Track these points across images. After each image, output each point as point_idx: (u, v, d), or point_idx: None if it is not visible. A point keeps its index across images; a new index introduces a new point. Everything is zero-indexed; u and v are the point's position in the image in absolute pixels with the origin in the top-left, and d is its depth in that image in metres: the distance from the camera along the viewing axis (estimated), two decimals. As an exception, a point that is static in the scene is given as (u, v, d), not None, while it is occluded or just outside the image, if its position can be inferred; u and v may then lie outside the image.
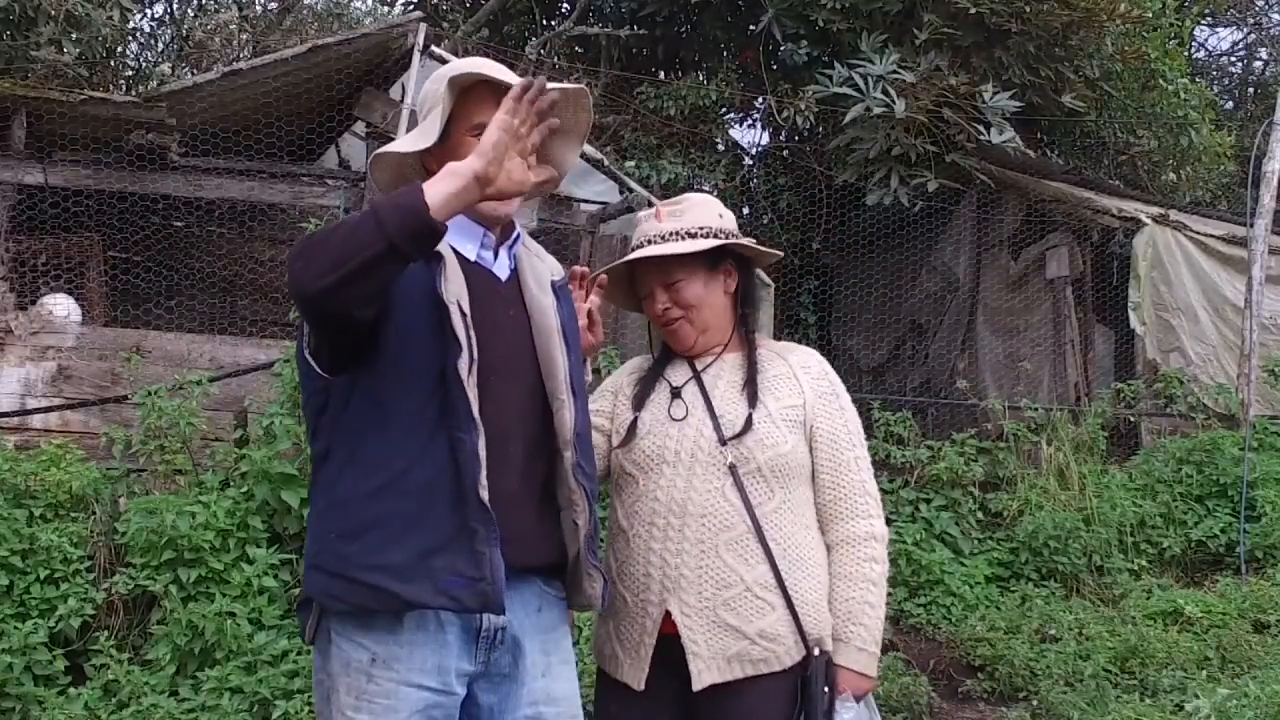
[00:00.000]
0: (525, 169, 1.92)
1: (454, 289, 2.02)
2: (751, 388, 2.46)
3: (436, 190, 1.84)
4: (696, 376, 2.52)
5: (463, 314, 2.00)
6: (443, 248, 2.02)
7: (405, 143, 2.14)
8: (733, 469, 2.39)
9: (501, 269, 2.17)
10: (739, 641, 2.34)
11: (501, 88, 2.08)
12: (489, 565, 1.95)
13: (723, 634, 2.35)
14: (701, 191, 10.44)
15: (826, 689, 2.36)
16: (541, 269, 2.22)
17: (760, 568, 2.36)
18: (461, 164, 1.86)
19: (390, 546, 1.96)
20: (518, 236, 2.21)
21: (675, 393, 2.49)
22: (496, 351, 2.07)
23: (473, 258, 2.14)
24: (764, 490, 2.39)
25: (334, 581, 2.01)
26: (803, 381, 2.49)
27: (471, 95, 2.11)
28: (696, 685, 2.34)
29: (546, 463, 2.12)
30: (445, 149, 2.11)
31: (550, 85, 2.14)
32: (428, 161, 2.15)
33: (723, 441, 2.40)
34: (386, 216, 1.82)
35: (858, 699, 2.37)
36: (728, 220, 2.57)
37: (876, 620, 2.40)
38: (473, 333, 2.01)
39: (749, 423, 2.40)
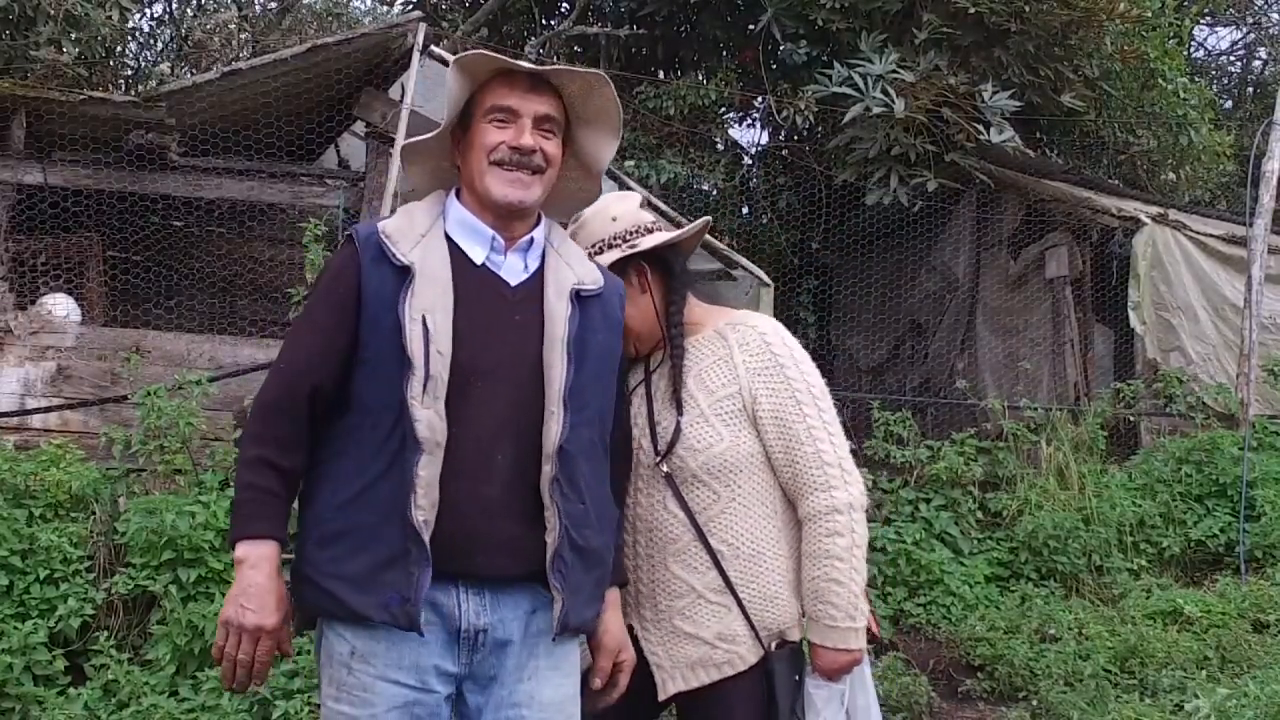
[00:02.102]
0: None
1: (424, 303, 2.02)
2: (675, 396, 2.40)
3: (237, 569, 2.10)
4: (647, 379, 2.48)
5: (425, 329, 1.99)
6: (424, 260, 2.04)
7: (426, 135, 2.19)
8: (669, 479, 2.36)
9: (512, 273, 2.13)
10: (699, 648, 2.33)
11: (515, 74, 2.11)
12: (414, 586, 1.98)
13: (682, 643, 2.35)
14: (703, 190, 10.49)
15: (798, 677, 2.34)
16: (565, 275, 2.15)
17: (709, 574, 2.34)
18: (231, 608, 2.06)
19: (350, 558, 2.03)
20: (532, 240, 2.16)
21: (626, 400, 2.45)
22: (490, 356, 2.05)
23: (479, 261, 2.12)
24: (706, 494, 2.36)
25: (303, 585, 2.10)
26: (738, 362, 2.39)
27: (489, 82, 2.12)
28: (662, 695, 2.36)
29: (538, 472, 2.08)
30: (467, 134, 2.14)
31: (566, 69, 2.14)
32: (455, 151, 2.18)
33: (657, 453, 2.38)
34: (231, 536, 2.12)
35: (834, 676, 2.34)
36: (624, 220, 2.46)
37: (847, 595, 2.31)
38: (435, 347, 1.99)
39: (676, 432, 2.36)
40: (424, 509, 1.97)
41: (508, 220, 2.13)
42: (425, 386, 1.98)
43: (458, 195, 2.19)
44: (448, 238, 2.12)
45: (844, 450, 2.39)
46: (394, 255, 2.06)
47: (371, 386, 2.04)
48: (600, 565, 2.16)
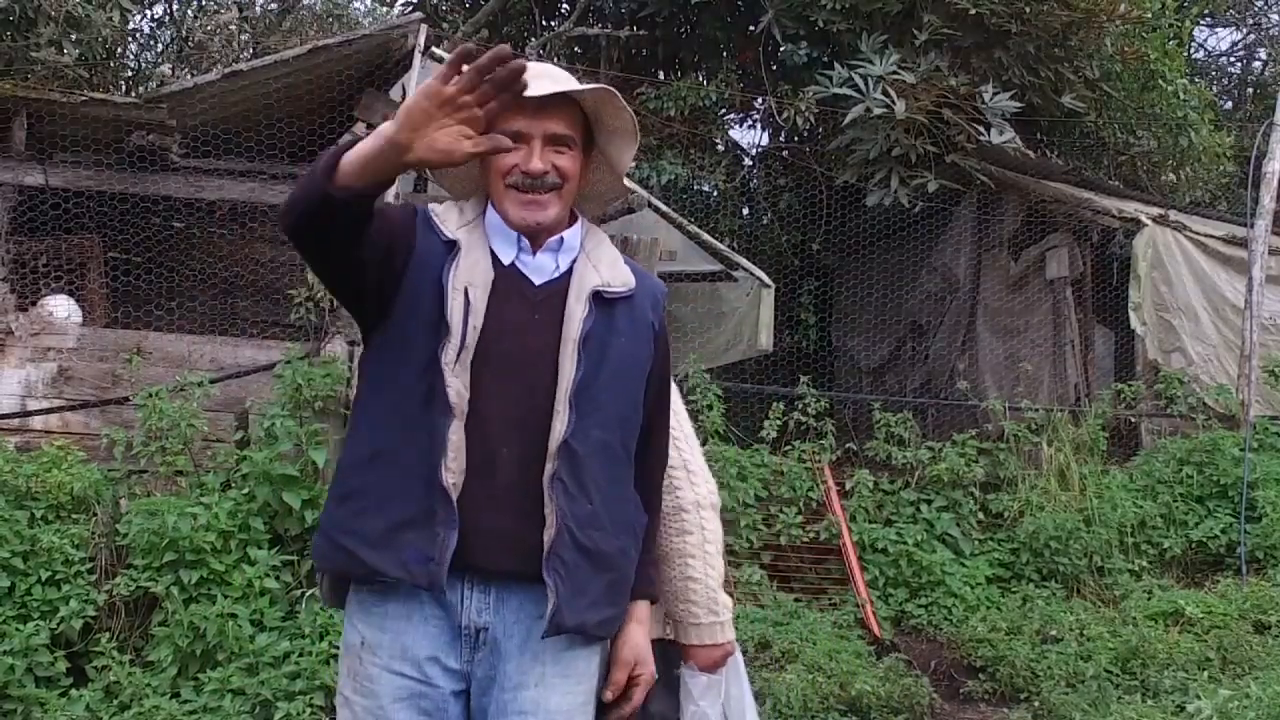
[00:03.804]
0: (457, 139, 1.82)
1: (465, 277, 2.06)
2: None
3: (356, 151, 1.87)
4: None
5: (466, 301, 2.03)
6: (468, 240, 2.08)
7: None
8: None
9: (538, 273, 2.14)
10: None
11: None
12: (439, 547, 1.99)
13: None
14: (703, 191, 10.49)
15: (657, 679, 2.35)
16: (589, 277, 2.15)
17: None
18: (384, 125, 1.86)
19: (368, 515, 2.04)
20: (562, 240, 2.16)
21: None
22: (502, 350, 2.06)
23: (507, 261, 2.13)
24: None
25: (324, 541, 2.11)
26: None
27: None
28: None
29: (542, 471, 2.07)
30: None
31: (574, 89, 2.11)
32: (480, 168, 2.18)
33: None
34: (311, 173, 1.89)
35: (710, 670, 2.39)
36: None
37: (704, 591, 2.36)
38: (471, 321, 2.03)
39: None
40: (453, 472, 2.00)
41: (533, 235, 2.15)
42: (459, 356, 2.02)
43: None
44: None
45: (691, 453, 2.44)
46: (440, 230, 2.11)
47: (400, 348, 2.07)
48: (614, 569, 2.13)
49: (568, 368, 2.08)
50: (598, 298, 2.13)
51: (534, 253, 2.14)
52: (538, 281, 2.13)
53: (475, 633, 2.06)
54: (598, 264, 2.18)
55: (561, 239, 2.16)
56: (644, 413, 2.20)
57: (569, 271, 2.15)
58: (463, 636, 2.06)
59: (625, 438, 2.16)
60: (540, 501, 2.05)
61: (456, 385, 2.01)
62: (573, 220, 2.21)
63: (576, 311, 2.11)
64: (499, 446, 2.04)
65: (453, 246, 2.08)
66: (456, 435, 2.00)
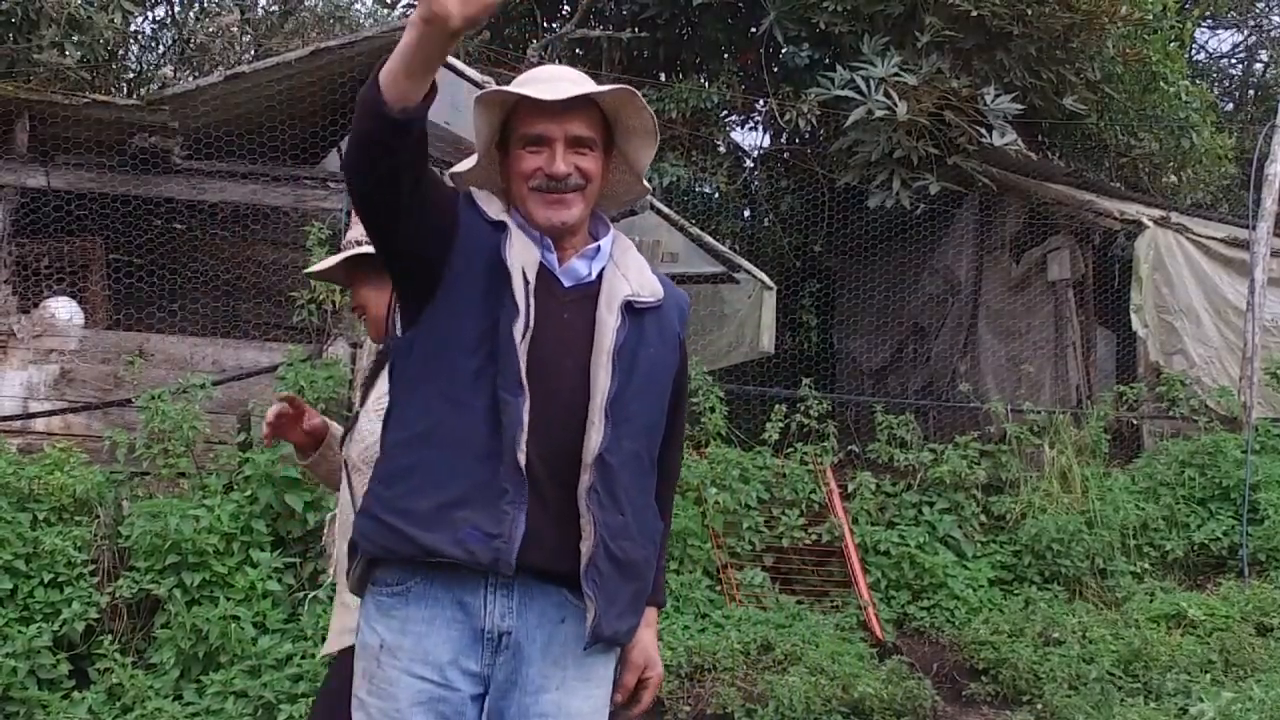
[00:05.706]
0: None
1: (520, 257, 2.04)
2: (365, 386, 2.64)
3: (392, 58, 1.87)
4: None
5: (526, 281, 2.02)
6: (511, 224, 2.08)
7: (467, 162, 2.19)
8: (345, 464, 2.57)
9: (568, 275, 2.14)
10: (349, 618, 2.45)
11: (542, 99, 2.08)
12: (509, 524, 1.96)
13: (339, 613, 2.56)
14: (705, 193, 10.50)
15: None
16: (619, 287, 2.14)
17: None
18: (413, 15, 1.84)
19: (418, 494, 2.01)
20: (599, 249, 2.17)
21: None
22: (534, 349, 2.05)
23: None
24: (362, 481, 2.51)
25: (368, 522, 2.06)
26: None
27: (520, 108, 2.11)
28: None
29: (572, 475, 2.06)
30: (507, 158, 2.14)
31: (592, 92, 2.10)
32: (501, 173, 2.17)
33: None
34: (361, 106, 1.92)
35: None
36: None
37: None
38: (530, 301, 2.01)
39: (354, 420, 2.58)
40: (525, 451, 1.98)
41: (558, 237, 2.15)
42: (524, 335, 2.01)
43: None
44: None
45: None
46: (484, 211, 2.11)
47: (450, 324, 2.05)
48: (639, 578, 2.13)
49: (602, 379, 2.06)
50: (629, 308, 2.12)
51: (558, 254, 2.13)
52: (566, 284, 2.13)
53: (498, 637, 2.05)
54: (626, 272, 2.17)
55: (599, 247, 2.16)
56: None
57: (598, 278, 2.15)
58: (484, 640, 2.05)
59: (650, 446, 2.17)
60: (569, 504, 2.05)
61: (524, 364, 2.00)
62: (604, 227, 2.21)
63: (609, 322, 2.09)
64: (528, 442, 2.03)
65: (503, 227, 2.07)
66: (528, 413, 1.98)
